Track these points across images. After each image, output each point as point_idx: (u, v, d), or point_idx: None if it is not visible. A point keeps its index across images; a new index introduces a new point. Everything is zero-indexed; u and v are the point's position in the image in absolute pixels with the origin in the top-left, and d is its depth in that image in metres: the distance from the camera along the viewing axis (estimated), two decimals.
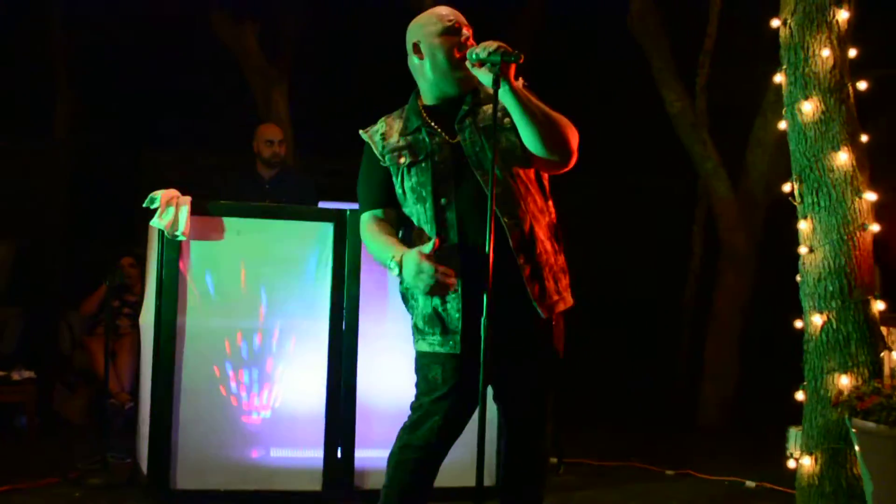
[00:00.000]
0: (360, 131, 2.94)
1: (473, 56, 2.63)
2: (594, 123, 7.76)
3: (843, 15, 3.87)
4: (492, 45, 2.60)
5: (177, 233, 4.03)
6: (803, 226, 3.94)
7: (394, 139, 2.84)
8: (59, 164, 7.87)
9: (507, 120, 2.75)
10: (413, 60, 2.86)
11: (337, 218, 4.20)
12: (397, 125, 2.87)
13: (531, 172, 2.82)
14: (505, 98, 2.64)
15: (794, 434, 4.05)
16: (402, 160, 2.80)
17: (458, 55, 2.75)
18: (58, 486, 4.40)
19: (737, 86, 6.78)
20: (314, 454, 4.18)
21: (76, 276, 6.88)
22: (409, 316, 2.92)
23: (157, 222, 4.03)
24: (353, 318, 4.17)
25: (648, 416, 6.79)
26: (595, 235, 7.83)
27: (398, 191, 2.84)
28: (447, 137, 2.79)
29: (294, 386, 4.19)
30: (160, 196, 4.03)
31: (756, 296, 6.87)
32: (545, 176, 2.90)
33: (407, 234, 2.88)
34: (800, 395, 3.97)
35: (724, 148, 6.82)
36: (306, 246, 4.20)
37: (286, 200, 5.22)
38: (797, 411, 3.97)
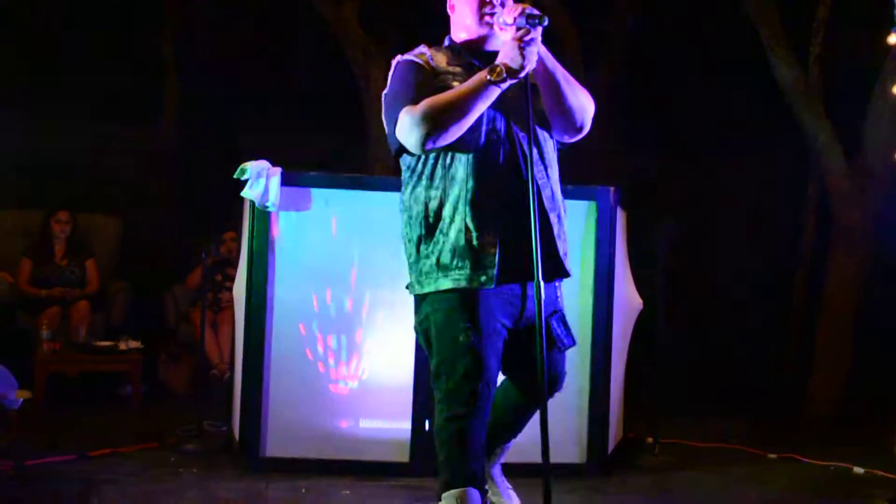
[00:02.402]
0: (399, 55, 2.90)
1: (500, 19, 2.69)
2: (706, 99, 7.61)
3: None
4: (516, 7, 2.63)
5: (267, 203, 4.05)
6: None
7: (442, 65, 2.83)
8: (167, 147, 8.13)
9: (536, 84, 2.79)
10: (448, 12, 2.94)
11: None
12: (441, 56, 2.88)
13: (553, 140, 2.90)
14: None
15: None
16: (457, 83, 2.74)
17: (483, 13, 2.80)
18: (154, 451, 4.52)
19: (853, 55, 6.43)
20: (402, 426, 4.16)
21: (183, 251, 7.05)
22: None
23: (247, 193, 4.06)
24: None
25: (755, 403, 6.53)
26: (707, 213, 7.59)
27: None
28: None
29: (382, 358, 4.17)
30: (250, 167, 4.06)
31: (873, 278, 6.51)
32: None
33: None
34: None
35: (840, 121, 6.48)
36: (395, 216, 4.15)
37: None
38: None
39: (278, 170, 4.09)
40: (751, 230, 7.97)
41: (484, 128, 2.72)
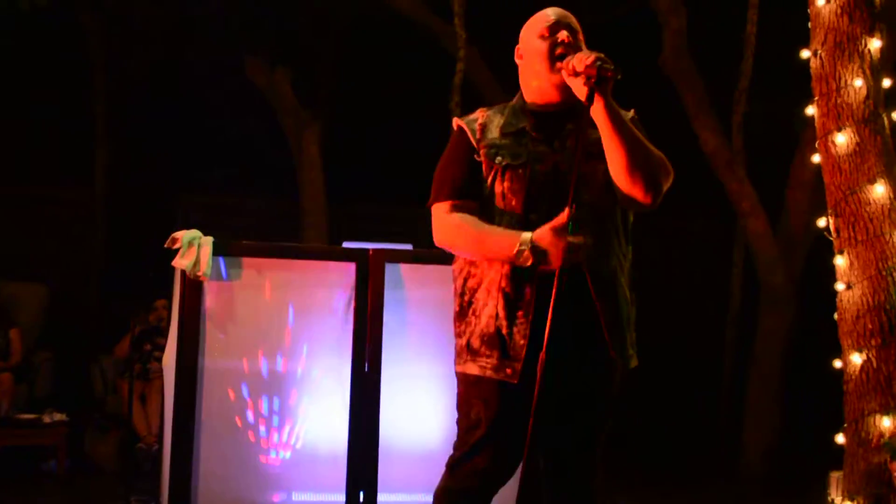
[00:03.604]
0: (456, 118, 2.69)
1: (571, 65, 2.41)
2: None
3: (875, 44, 3.77)
4: (590, 55, 2.38)
5: (198, 273, 4.00)
6: (840, 262, 3.80)
7: (493, 134, 2.59)
8: (96, 210, 8.01)
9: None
10: (517, 62, 2.67)
11: (360, 258, 4.14)
12: (497, 120, 2.61)
13: (619, 211, 2.60)
14: (597, 115, 2.41)
15: (836, 479, 3.87)
16: (500, 159, 2.54)
17: (554, 55, 2.52)
18: None
19: (774, 123, 6.67)
20: (337, 498, 4.08)
21: (110, 320, 6.92)
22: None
23: (178, 262, 4.00)
24: (376, 358, 4.10)
25: (687, 465, 6.58)
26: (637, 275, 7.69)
27: (487, 190, 2.56)
28: (550, 148, 2.55)
29: (316, 423, 4.11)
30: (182, 236, 4.01)
31: (799, 337, 6.68)
32: (630, 219, 2.67)
33: None
34: (841, 439, 3.80)
35: (762, 186, 6.69)
36: (329, 286, 4.15)
37: None
38: (841, 455, 3.80)
39: (210, 239, 4.05)
40: (682, 292, 8.12)
41: (527, 208, 2.50)
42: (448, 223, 2.58)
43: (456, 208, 2.58)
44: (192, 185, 8.12)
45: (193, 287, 4.04)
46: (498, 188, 2.54)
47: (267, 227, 7.54)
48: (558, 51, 2.52)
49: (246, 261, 4.12)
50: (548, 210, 2.48)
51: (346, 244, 4.47)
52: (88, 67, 8.12)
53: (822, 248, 4.11)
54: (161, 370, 6.31)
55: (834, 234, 3.83)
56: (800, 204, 6.57)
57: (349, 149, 7.95)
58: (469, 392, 2.58)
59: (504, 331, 2.50)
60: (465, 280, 2.60)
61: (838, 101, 3.76)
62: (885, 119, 3.78)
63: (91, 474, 5.92)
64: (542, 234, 2.42)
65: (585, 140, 2.47)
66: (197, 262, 4.00)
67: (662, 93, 6.87)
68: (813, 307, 6.34)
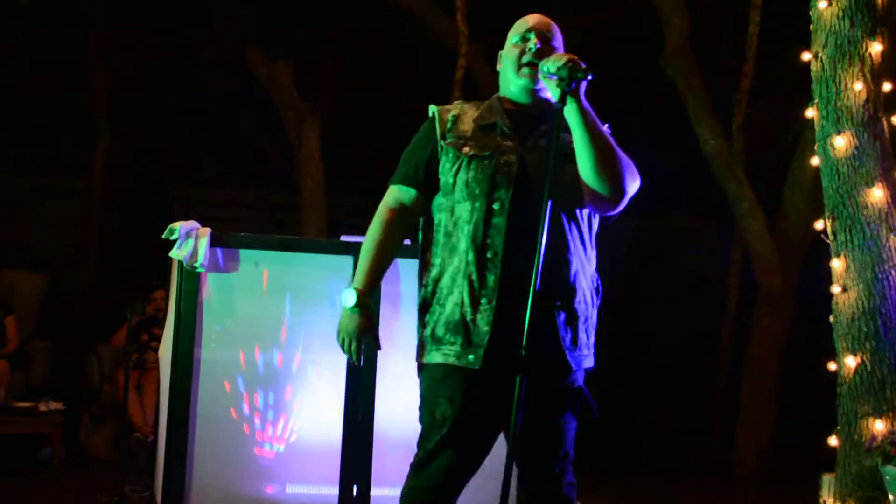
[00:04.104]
0: (432, 105, 2.77)
1: (544, 68, 2.47)
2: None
3: (876, 48, 3.78)
4: (561, 58, 2.44)
5: (196, 264, 4.01)
6: (836, 264, 3.81)
7: (465, 126, 2.66)
8: (95, 200, 8.01)
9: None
10: (497, 67, 2.76)
11: (356, 251, 4.13)
12: (472, 113, 2.69)
13: (586, 215, 2.65)
14: (570, 116, 2.48)
15: (828, 481, 3.89)
16: (467, 149, 2.61)
17: (520, 62, 2.61)
18: None
19: (774, 125, 6.67)
20: (330, 491, 4.09)
21: (108, 310, 6.92)
22: None
23: (176, 253, 4.01)
24: (371, 352, 4.10)
25: (681, 463, 6.60)
26: (629, 277, 7.70)
27: (447, 179, 2.62)
28: (519, 145, 2.61)
29: (310, 418, 4.12)
30: (179, 227, 4.02)
31: (795, 338, 6.69)
32: (595, 223, 2.72)
33: (426, 240, 2.70)
34: (834, 441, 3.82)
35: (761, 188, 6.69)
36: (325, 279, 4.15)
37: None
38: (834, 457, 3.81)
39: (207, 230, 4.06)
40: (678, 291, 8.12)
41: (490, 197, 2.55)
42: (383, 205, 2.73)
43: (399, 205, 2.71)
44: (191, 177, 8.13)
45: (191, 278, 4.05)
46: (464, 177, 2.59)
47: (265, 220, 7.56)
48: (526, 58, 2.60)
49: (243, 253, 4.13)
50: (510, 201, 2.54)
51: (343, 238, 4.48)
52: (88, 58, 8.11)
53: (820, 250, 4.12)
54: (158, 361, 6.33)
55: (831, 237, 3.83)
56: (798, 206, 6.57)
57: (348, 142, 7.95)
58: (433, 390, 2.61)
59: (468, 317, 2.54)
60: (429, 271, 2.65)
61: (838, 105, 3.77)
62: (885, 123, 3.78)
63: (86, 464, 5.93)
64: (355, 313, 2.65)
65: (561, 144, 2.52)
66: (194, 254, 4.01)
67: (663, 93, 6.87)
68: (809, 309, 6.36)
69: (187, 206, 7.89)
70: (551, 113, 2.57)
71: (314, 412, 4.13)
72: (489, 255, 2.53)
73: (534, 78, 2.59)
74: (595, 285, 2.70)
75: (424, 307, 2.66)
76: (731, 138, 6.69)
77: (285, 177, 7.54)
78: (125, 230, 7.81)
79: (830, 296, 3.84)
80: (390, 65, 8.15)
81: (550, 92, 2.53)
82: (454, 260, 2.59)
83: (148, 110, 7.98)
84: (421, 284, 2.68)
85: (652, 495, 5.36)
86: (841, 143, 3.76)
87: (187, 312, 4.04)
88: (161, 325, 6.39)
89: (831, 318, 3.83)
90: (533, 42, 2.62)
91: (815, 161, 3.94)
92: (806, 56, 3.94)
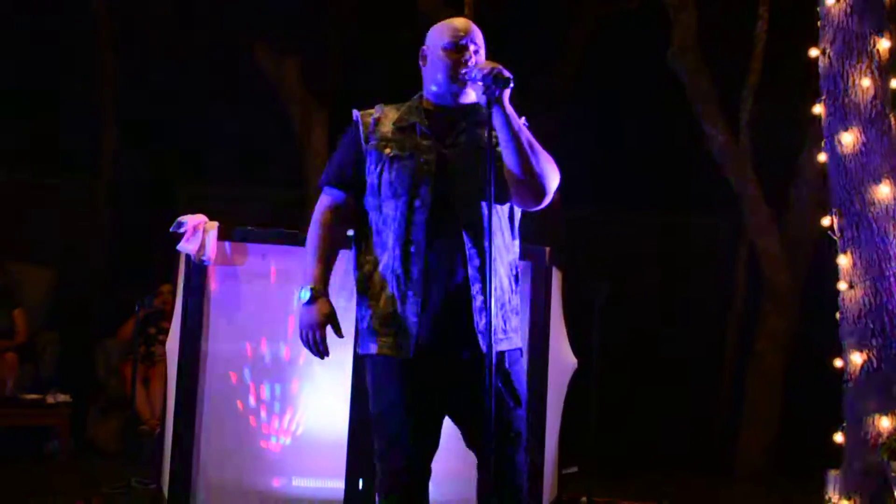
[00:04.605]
0: (355, 110, 2.91)
1: (471, 74, 2.66)
2: (634, 158, 7.79)
3: (884, 44, 3.77)
4: (486, 66, 2.63)
5: (203, 257, 4.03)
6: (843, 261, 3.81)
7: (385, 128, 2.83)
8: (102, 195, 8.04)
9: (499, 149, 2.72)
10: (420, 63, 2.90)
11: None
12: (393, 115, 2.86)
13: (506, 206, 2.82)
14: (496, 120, 2.64)
15: (834, 478, 3.89)
16: (388, 151, 2.78)
17: (457, 73, 2.76)
18: None
19: (781, 121, 6.66)
20: (336, 485, 4.11)
21: (116, 304, 6.94)
22: None
23: (183, 246, 4.03)
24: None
25: (686, 460, 6.60)
26: (637, 273, 7.71)
27: (372, 180, 2.78)
28: (438, 143, 2.77)
29: (317, 412, 4.14)
30: (187, 221, 4.03)
31: (801, 335, 6.68)
32: (517, 215, 2.88)
33: (359, 243, 2.83)
34: (839, 438, 3.82)
35: (768, 184, 6.68)
36: (332, 273, 4.16)
37: None
38: (839, 454, 3.81)
39: (215, 224, 4.08)
40: (685, 288, 8.12)
41: (412, 195, 2.72)
42: (317, 208, 2.87)
43: (333, 204, 2.84)
44: (197, 171, 8.14)
45: (198, 272, 4.07)
46: (386, 177, 2.75)
47: (272, 216, 7.56)
48: (465, 71, 2.73)
49: (251, 247, 4.14)
50: (431, 197, 2.71)
51: (349, 232, 4.49)
52: (96, 53, 8.13)
53: (827, 246, 4.11)
54: (165, 354, 6.36)
55: (838, 234, 3.83)
56: (805, 202, 6.56)
57: None
58: (378, 380, 2.77)
59: (399, 310, 2.70)
60: (362, 266, 2.81)
61: (845, 101, 3.77)
62: (893, 120, 3.77)
63: (93, 456, 5.95)
64: (313, 309, 2.75)
65: (478, 139, 2.73)
66: (202, 247, 4.02)
67: (670, 88, 6.86)
68: (815, 305, 6.35)
69: (193, 201, 7.89)
70: (469, 111, 2.79)
71: (321, 405, 4.15)
72: (412, 249, 2.69)
73: (465, 86, 2.75)
74: (514, 272, 2.85)
75: (361, 302, 2.82)
76: (738, 134, 6.68)
77: (292, 172, 7.55)
78: (132, 224, 7.82)
79: (837, 292, 3.84)
80: (398, 61, 8.13)
81: (477, 96, 2.70)
82: (384, 256, 2.74)
83: (153, 105, 7.99)
84: (356, 280, 2.82)
85: (656, 492, 5.36)
86: (848, 139, 3.75)
87: (194, 306, 4.06)
88: (168, 318, 6.43)
89: (838, 315, 3.82)
90: (470, 53, 2.77)
91: (822, 157, 3.94)
92: (813, 52, 3.93)
